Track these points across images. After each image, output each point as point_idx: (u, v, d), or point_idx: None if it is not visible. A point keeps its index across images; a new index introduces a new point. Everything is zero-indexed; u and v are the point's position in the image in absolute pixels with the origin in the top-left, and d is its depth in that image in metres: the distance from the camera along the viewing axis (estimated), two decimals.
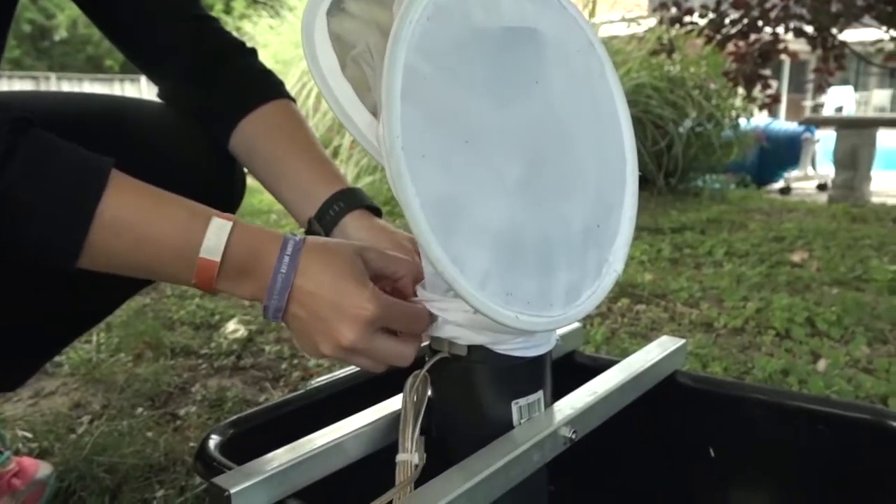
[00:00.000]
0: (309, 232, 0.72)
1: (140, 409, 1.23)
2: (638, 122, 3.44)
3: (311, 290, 0.53)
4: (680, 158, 3.57)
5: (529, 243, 0.51)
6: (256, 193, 3.93)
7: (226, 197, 0.84)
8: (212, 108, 0.77)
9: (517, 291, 0.50)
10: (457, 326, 0.55)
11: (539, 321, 0.51)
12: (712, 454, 0.77)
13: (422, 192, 0.46)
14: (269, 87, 0.79)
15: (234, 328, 1.64)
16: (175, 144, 0.78)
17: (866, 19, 3.29)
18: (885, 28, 3.31)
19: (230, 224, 0.53)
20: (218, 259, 0.52)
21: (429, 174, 0.47)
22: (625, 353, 0.75)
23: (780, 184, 4.94)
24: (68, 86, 13.66)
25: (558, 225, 0.54)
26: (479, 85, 0.51)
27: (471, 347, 0.55)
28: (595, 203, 0.57)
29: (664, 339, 0.79)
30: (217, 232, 0.52)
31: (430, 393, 0.57)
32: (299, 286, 0.53)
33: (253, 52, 0.82)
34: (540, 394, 0.57)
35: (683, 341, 0.78)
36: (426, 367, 0.56)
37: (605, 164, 0.60)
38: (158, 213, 0.52)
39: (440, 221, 0.47)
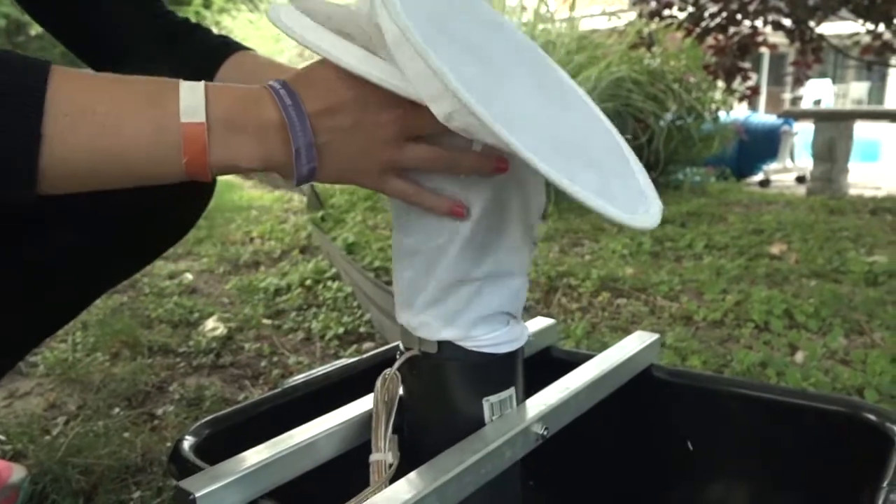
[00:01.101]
0: None
1: (117, 410, 1.22)
2: (618, 116, 3.45)
3: (329, 105, 0.48)
4: (661, 152, 3.58)
5: (572, 142, 0.50)
6: (237, 189, 3.91)
7: (192, 184, 0.82)
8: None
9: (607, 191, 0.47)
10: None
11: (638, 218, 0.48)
12: (690, 447, 0.78)
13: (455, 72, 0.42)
14: (230, 45, 0.78)
15: (214, 326, 1.63)
16: None
17: (843, 12, 3.32)
18: (861, 21, 3.34)
19: (201, 83, 0.47)
20: (203, 119, 0.45)
21: (452, 56, 0.43)
22: (604, 348, 0.75)
23: (759, 176, 4.98)
24: None
25: (586, 133, 0.53)
26: (466, 20, 0.51)
27: (441, 344, 0.54)
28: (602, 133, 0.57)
29: (639, 333, 0.79)
30: (191, 92, 0.46)
31: (401, 391, 0.57)
32: (314, 111, 0.47)
33: (207, 27, 0.82)
34: (511, 390, 0.57)
35: (657, 336, 0.78)
36: (396, 365, 0.56)
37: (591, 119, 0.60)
38: (117, 91, 0.46)
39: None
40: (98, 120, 0.44)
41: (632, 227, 0.47)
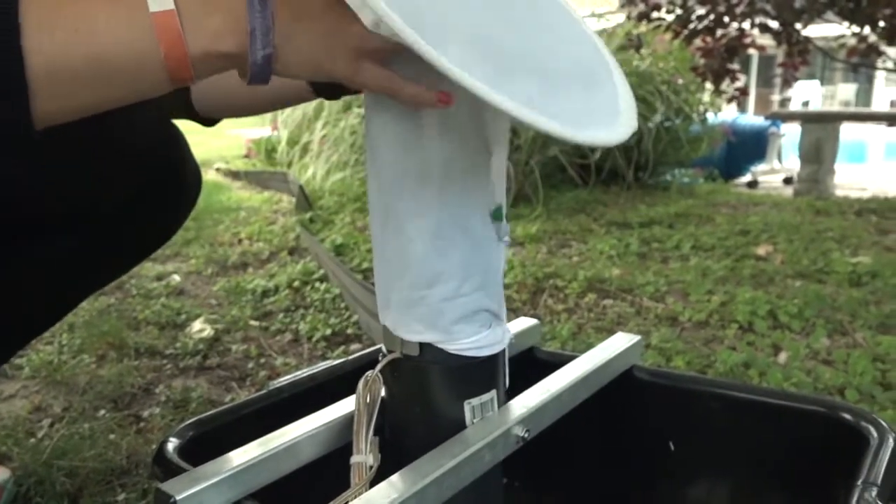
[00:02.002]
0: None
1: (102, 412, 1.21)
2: None
3: (296, 7, 0.47)
4: (650, 153, 3.60)
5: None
6: (225, 191, 3.89)
7: (178, 185, 0.82)
8: None
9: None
10: None
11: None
12: (672, 448, 0.78)
13: None
14: None
15: (201, 328, 1.63)
16: (121, 139, 0.76)
17: (829, 15, 3.35)
18: (847, 24, 3.37)
19: None
20: (172, 5, 0.45)
21: None
22: (588, 349, 0.76)
23: (747, 178, 5.01)
24: None
25: (550, 46, 0.52)
26: None
27: (423, 346, 0.55)
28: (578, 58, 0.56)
29: (621, 334, 0.80)
30: None
31: (383, 394, 0.57)
32: (280, 1, 0.47)
33: None
34: (493, 393, 0.58)
35: (640, 337, 0.79)
36: (378, 367, 0.56)
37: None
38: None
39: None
40: (70, 26, 0.44)
41: (574, 141, 0.46)
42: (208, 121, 0.81)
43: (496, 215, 0.56)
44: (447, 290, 0.54)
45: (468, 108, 0.53)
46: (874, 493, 0.54)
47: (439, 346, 0.55)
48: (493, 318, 0.58)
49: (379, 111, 0.53)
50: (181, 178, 0.82)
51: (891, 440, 0.61)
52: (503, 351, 0.59)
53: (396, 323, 0.55)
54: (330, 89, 0.70)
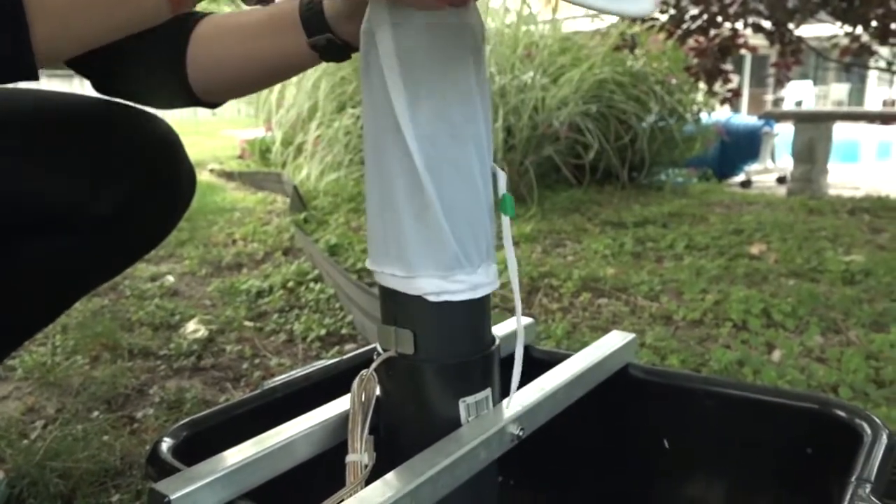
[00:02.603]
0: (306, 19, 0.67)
1: (96, 413, 1.21)
2: (602, 118, 3.47)
3: None
4: (645, 153, 3.61)
5: None
6: (219, 192, 3.89)
7: (172, 185, 0.82)
8: (154, 61, 0.74)
9: None
10: None
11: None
12: (666, 446, 0.79)
13: None
14: (193, 15, 0.75)
15: (195, 328, 1.62)
16: (117, 140, 0.76)
17: (822, 15, 3.36)
18: (839, 23, 3.38)
19: None
20: None
21: None
22: (582, 348, 0.76)
23: (740, 177, 5.02)
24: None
25: None
26: None
27: (417, 345, 0.55)
28: None
29: (616, 332, 0.80)
30: None
31: (378, 392, 0.57)
32: None
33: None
34: (488, 391, 0.58)
35: (634, 335, 0.79)
36: (373, 366, 0.56)
37: None
38: None
39: None
40: None
41: (606, 11, 0.45)
42: (210, 104, 0.79)
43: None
44: (429, 229, 0.53)
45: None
46: (868, 490, 0.54)
47: (429, 298, 0.54)
48: (477, 258, 0.56)
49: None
50: (176, 179, 0.82)
51: (884, 437, 0.61)
52: (498, 349, 0.59)
53: (380, 269, 0.55)
54: (335, 51, 0.67)
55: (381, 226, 0.55)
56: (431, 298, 0.54)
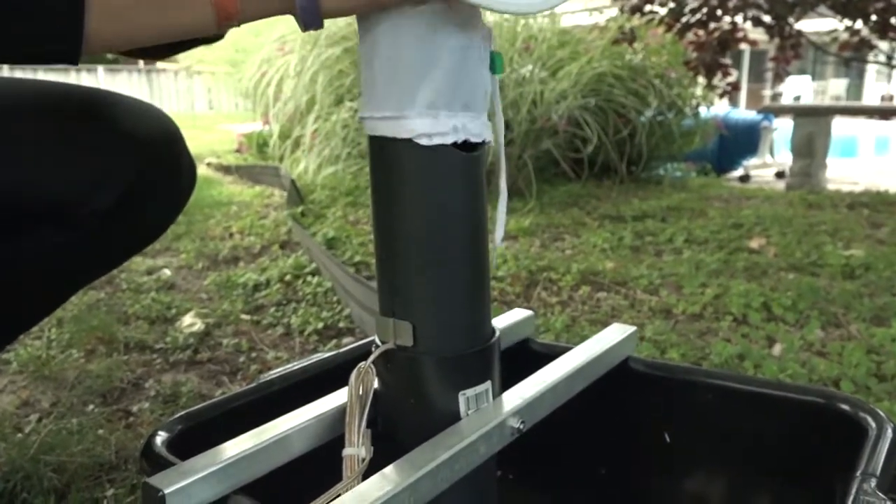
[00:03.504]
0: None
1: (91, 407, 1.20)
2: (600, 111, 3.46)
3: None
4: (644, 147, 3.60)
5: None
6: (216, 185, 3.87)
7: (173, 179, 0.81)
8: None
9: None
10: None
11: None
12: (668, 439, 0.78)
13: None
14: None
15: (191, 322, 1.61)
16: (119, 133, 0.75)
17: (822, 9, 3.35)
18: (839, 18, 3.37)
19: None
20: None
21: None
22: (582, 341, 0.75)
23: (739, 172, 5.02)
24: (21, 72, 13.28)
25: None
26: None
27: (416, 337, 0.54)
28: None
29: (616, 325, 0.79)
30: None
31: (376, 385, 0.56)
32: None
33: None
34: (488, 384, 0.57)
35: (635, 328, 0.78)
36: (371, 358, 0.55)
37: None
38: None
39: None
40: None
41: (490, 8, 0.47)
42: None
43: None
44: (419, 70, 0.51)
45: None
46: (873, 484, 0.53)
47: (418, 140, 0.51)
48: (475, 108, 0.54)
49: None
50: (177, 173, 0.81)
51: (889, 431, 0.60)
52: (498, 342, 0.58)
53: (369, 115, 0.53)
54: None
55: (370, 74, 0.53)
56: (423, 141, 0.52)
